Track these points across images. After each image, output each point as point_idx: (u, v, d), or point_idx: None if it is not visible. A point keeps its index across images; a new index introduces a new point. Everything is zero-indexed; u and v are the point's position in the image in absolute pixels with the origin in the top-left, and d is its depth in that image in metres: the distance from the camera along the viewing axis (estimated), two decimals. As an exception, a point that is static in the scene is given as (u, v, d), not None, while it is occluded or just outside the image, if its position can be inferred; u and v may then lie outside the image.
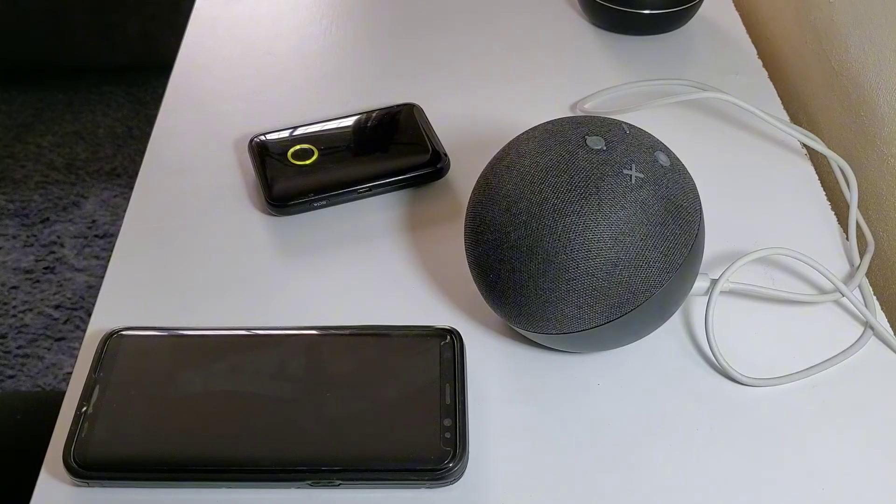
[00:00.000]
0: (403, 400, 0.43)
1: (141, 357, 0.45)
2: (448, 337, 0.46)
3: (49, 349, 1.33)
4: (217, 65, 0.69)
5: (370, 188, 0.56)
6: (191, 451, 0.41)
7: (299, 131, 0.60)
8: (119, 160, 1.62)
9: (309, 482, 0.41)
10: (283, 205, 0.55)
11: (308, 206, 0.56)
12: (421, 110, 0.61)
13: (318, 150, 0.58)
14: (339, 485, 0.41)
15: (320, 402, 0.43)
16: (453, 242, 0.54)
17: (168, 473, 0.41)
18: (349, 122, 0.61)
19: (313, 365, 0.45)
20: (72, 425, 0.42)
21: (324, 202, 0.56)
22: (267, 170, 0.57)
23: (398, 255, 0.54)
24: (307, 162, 0.57)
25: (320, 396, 0.43)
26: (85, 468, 0.41)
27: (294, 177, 0.56)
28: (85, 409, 0.43)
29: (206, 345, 0.46)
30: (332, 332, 0.47)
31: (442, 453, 0.41)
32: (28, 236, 1.49)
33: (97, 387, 0.43)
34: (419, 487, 0.42)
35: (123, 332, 0.46)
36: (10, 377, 1.29)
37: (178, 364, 0.45)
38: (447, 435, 0.42)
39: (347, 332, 0.47)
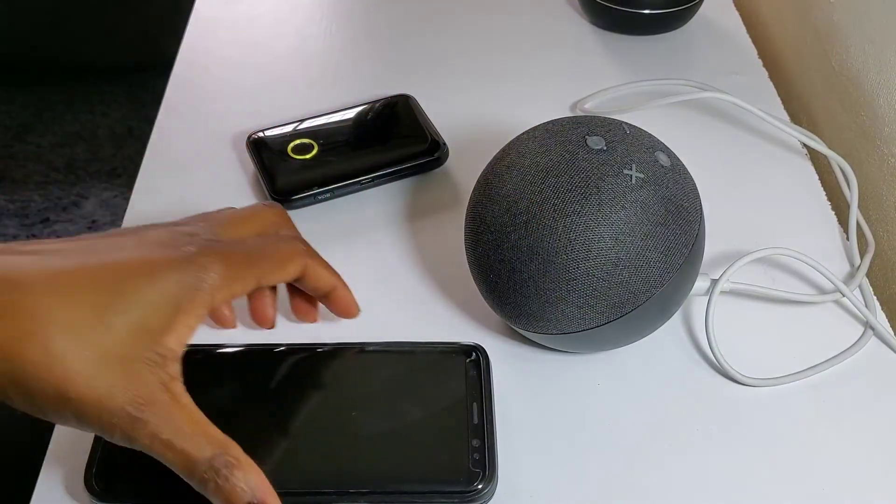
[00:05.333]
0: (430, 419, 0.43)
1: None
2: (474, 354, 0.45)
3: (49, 349, 1.32)
4: (217, 65, 0.69)
5: (372, 179, 0.57)
6: None
7: (298, 126, 0.60)
8: (119, 160, 1.62)
9: None
10: (287, 199, 0.55)
11: (311, 200, 0.56)
12: (416, 101, 0.62)
13: (318, 144, 0.58)
14: None
15: (346, 421, 0.42)
16: (453, 232, 0.54)
17: (190, 497, 0.40)
18: (346, 115, 0.61)
19: (337, 383, 0.44)
20: (92, 447, 0.41)
21: (327, 195, 0.56)
22: (268, 165, 0.57)
23: (400, 248, 0.54)
24: (308, 156, 0.58)
25: (346, 416, 0.43)
26: (107, 491, 0.40)
27: (296, 171, 0.57)
28: None
29: (225, 361, 0.45)
30: (356, 348, 0.46)
31: (472, 475, 0.40)
32: (28, 236, 1.49)
33: None
34: None
35: None
36: (10, 377, 1.29)
37: (197, 381, 0.44)
38: (476, 456, 0.41)
39: (371, 348, 0.46)
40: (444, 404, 0.43)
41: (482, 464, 0.41)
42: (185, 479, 0.35)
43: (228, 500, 0.35)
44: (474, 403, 0.43)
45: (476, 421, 0.42)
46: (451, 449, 0.41)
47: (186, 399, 0.36)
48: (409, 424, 0.42)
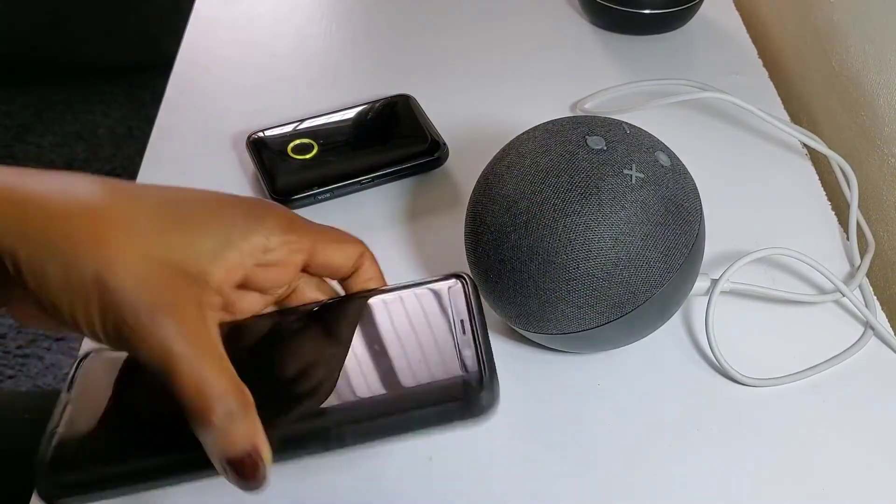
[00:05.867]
0: (417, 352, 0.38)
1: (113, 372, 0.40)
2: (455, 281, 0.40)
3: (49, 349, 1.33)
4: (217, 65, 0.69)
5: (372, 179, 0.57)
6: (176, 444, 0.35)
7: (298, 126, 0.60)
8: (119, 160, 1.62)
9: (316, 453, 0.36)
10: (287, 199, 0.55)
11: (311, 200, 0.56)
12: (416, 101, 0.62)
13: (318, 144, 0.58)
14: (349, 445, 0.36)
15: (326, 384, 0.37)
16: (453, 232, 0.54)
17: (162, 469, 0.36)
18: (346, 115, 0.61)
19: (312, 344, 0.40)
20: (42, 445, 0.37)
21: (327, 195, 0.56)
22: (268, 165, 0.57)
23: (400, 248, 0.54)
24: (308, 156, 0.58)
25: (323, 380, 0.38)
26: (58, 487, 0.36)
27: (296, 171, 0.57)
28: (56, 427, 0.37)
29: None
30: (327, 302, 0.41)
31: (466, 384, 0.35)
32: (28, 236, 1.49)
33: (67, 406, 0.38)
34: (452, 428, 0.36)
35: (98, 353, 0.41)
36: (10, 377, 1.29)
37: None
38: (468, 364, 0.36)
39: (345, 299, 0.41)
40: (430, 334, 0.38)
41: (478, 370, 0.36)
42: (184, 403, 0.33)
43: (228, 443, 0.33)
44: (461, 321, 0.38)
45: (465, 335, 0.38)
46: (441, 367, 0.37)
47: (216, 332, 0.34)
48: (397, 367, 0.38)
